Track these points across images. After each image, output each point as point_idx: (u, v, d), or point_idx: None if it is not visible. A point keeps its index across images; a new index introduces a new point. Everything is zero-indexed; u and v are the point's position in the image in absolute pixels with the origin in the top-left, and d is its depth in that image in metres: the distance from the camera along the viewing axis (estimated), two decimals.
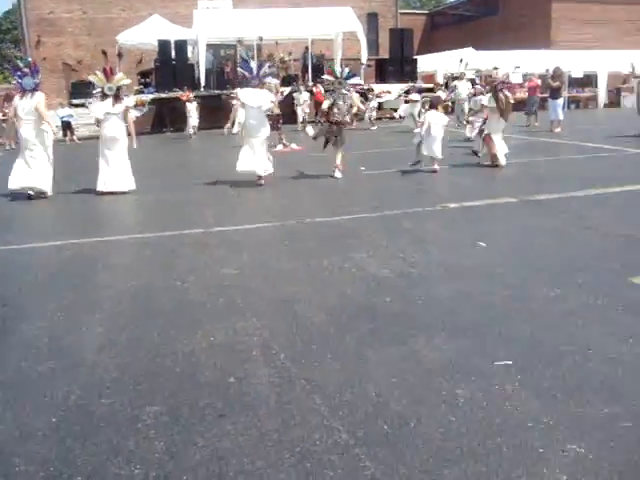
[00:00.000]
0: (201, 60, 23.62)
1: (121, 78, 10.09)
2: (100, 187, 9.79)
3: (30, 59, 10.41)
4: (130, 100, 10.25)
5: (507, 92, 10.98)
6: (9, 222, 8.34)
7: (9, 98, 21.28)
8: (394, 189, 9.58)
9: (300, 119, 21.52)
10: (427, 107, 11.62)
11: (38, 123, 9.59)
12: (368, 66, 25.89)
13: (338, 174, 10.44)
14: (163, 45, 24.14)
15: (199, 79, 23.80)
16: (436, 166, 10.73)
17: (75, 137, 21.44)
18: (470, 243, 6.15)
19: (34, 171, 9.56)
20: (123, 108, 9.92)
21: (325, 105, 10.56)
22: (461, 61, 28.25)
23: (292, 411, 3.10)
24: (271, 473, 2.62)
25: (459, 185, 9.77)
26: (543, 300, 4.53)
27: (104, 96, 9.93)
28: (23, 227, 8.17)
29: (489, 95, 11.28)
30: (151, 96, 24.01)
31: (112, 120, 9.83)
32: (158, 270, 5.65)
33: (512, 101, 11.15)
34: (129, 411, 3.16)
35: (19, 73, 9.77)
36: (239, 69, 11.68)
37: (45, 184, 9.65)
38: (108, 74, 9.98)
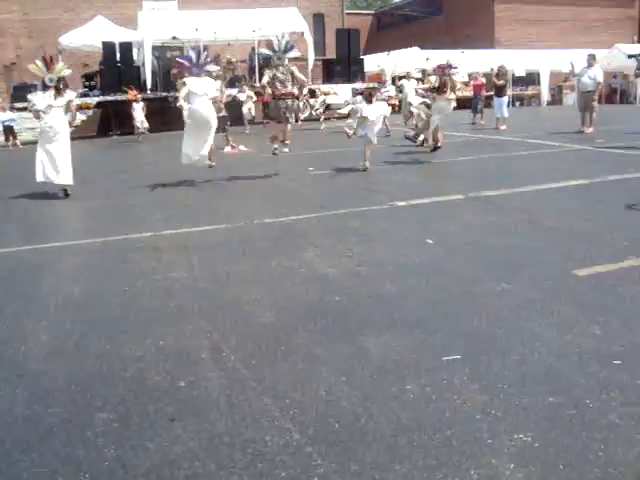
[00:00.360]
0: (147, 62, 23.34)
1: (62, 68, 9.68)
2: (39, 177, 9.47)
3: None
4: (73, 93, 9.86)
5: (454, 78, 11.14)
6: None
7: None
8: (342, 188, 9.60)
9: (247, 118, 21.37)
10: (363, 101, 11.50)
11: None
12: (316, 60, 25.99)
13: (285, 149, 10.29)
14: (108, 47, 23.75)
15: (145, 81, 23.54)
16: (367, 163, 10.68)
17: (18, 142, 20.95)
18: (418, 241, 6.22)
19: None
20: (65, 101, 9.56)
21: (265, 79, 10.15)
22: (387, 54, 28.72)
23: (243, 413, 3.09)
24: (223, 475, 2.61)
25: (407, 183, 9.85)
26: (491, 295, 4.61)
27: (45, 88, 9.59)
28: None
29: (435, 77, 11.45)
30: (96, 99, 23.63)
31: (54, 112, 9.44)
32: (105, 276, 5.56)
33: (459, 86, 11.29)
34: (77, 419, 3.11)
35: None
36: (177, 59, 11.40)
37: None
38: (48, 63, 9.56)
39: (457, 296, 4.63)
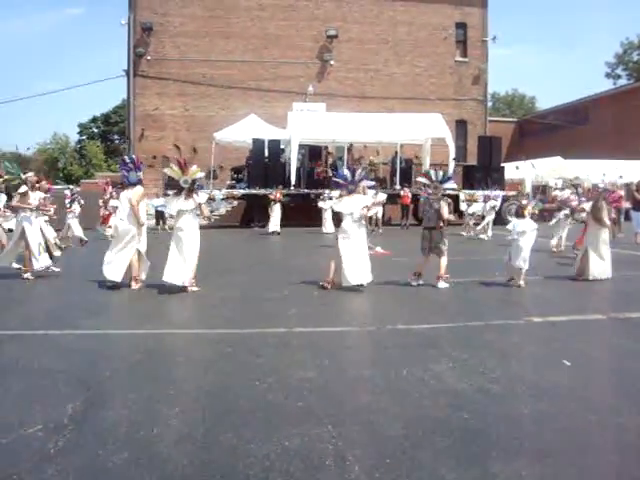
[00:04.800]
0: (293, 159, 24.48)
1: (196, 171, 10.05)
2: (165, 277, 9.69)
3: (134, 155, 10.87)
4: (203, 197, 10.19)
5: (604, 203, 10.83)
6: (96, 309, 8.64)
7: (109, 185, 22.63)
8: (478, 299, 9.44)
9: (379, 220, 21.64)
10: (513, 214, 11.33)
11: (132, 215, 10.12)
12: (457, 166, 26.22)
13: (441, 284, 10.04)
14: (257, 143, 25.25)
15: (290, 177, 24.62)
16: (522, 282, 10.13)
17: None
18: (554, 361, 5.96)
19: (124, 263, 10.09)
20: (194, 205, 9.90)
21: (445, 211, 10.09)
22: (533, 166, 28.37)
23: None
24: None
25: (545, 298, 9.55)
26: (635, 430, 4.28)
27: (179, 190, 9.97)
28: (109, 314, 8.45)
29: (589, 203, 11.19)
30: (242, 191, 24.96)
31: (184, 216, 9.86)
32: (238, 368, 5.71)
33: (609, 214, 10.85)
34: None
35: (125, 167, 10.36)
36: (334, 179, 11.75)
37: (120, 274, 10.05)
38: (183, 167, 9.98)
39: (595, 427, 4.36)
